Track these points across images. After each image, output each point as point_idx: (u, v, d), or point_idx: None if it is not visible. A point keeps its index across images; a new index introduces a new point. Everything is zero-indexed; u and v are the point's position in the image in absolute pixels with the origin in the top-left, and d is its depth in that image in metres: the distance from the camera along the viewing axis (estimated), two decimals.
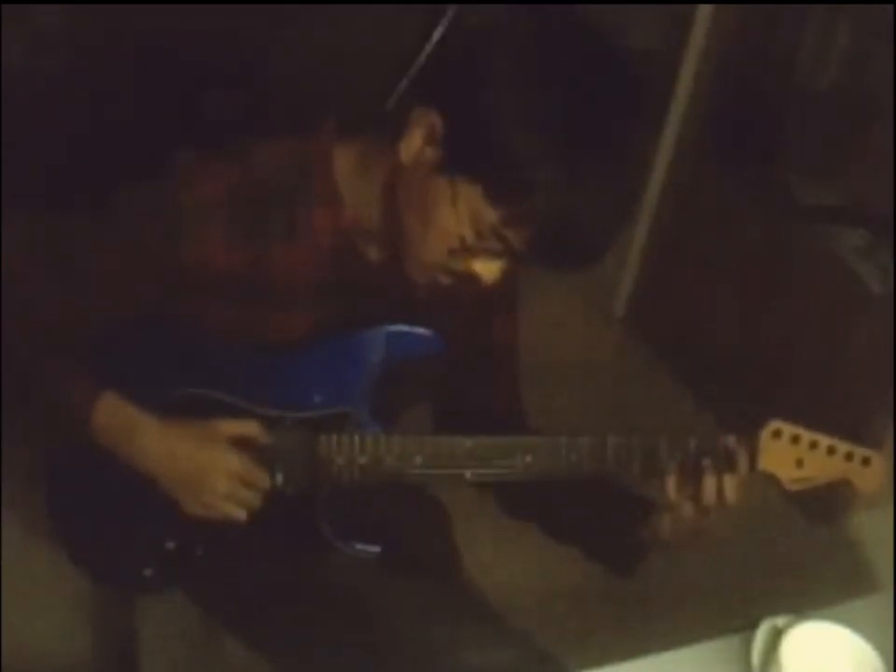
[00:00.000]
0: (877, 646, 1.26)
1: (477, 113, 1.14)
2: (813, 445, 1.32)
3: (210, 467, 1.31)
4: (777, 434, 1.32)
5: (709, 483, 1.30)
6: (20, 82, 2.31)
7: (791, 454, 1.32)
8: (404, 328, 1.34)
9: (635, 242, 3.00)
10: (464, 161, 1.17)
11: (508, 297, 1.47)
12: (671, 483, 1.32)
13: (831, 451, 1.32)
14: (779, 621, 1.31)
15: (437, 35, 2.55)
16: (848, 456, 1.32)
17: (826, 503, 2.48)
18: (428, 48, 2.54)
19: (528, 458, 1.32)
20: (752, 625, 1.32)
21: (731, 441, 1.32)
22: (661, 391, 2.85)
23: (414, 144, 1.19)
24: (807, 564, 2.43)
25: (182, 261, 1.26)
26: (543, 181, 1.13)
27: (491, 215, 1.17)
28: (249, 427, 1.33)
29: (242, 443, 1.33)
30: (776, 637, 1.27)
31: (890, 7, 2.30)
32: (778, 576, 2.36)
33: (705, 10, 2.67)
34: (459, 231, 1.20)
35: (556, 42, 1.16)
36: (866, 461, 1.32)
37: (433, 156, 1.19)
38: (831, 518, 2.53)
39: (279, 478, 1.35)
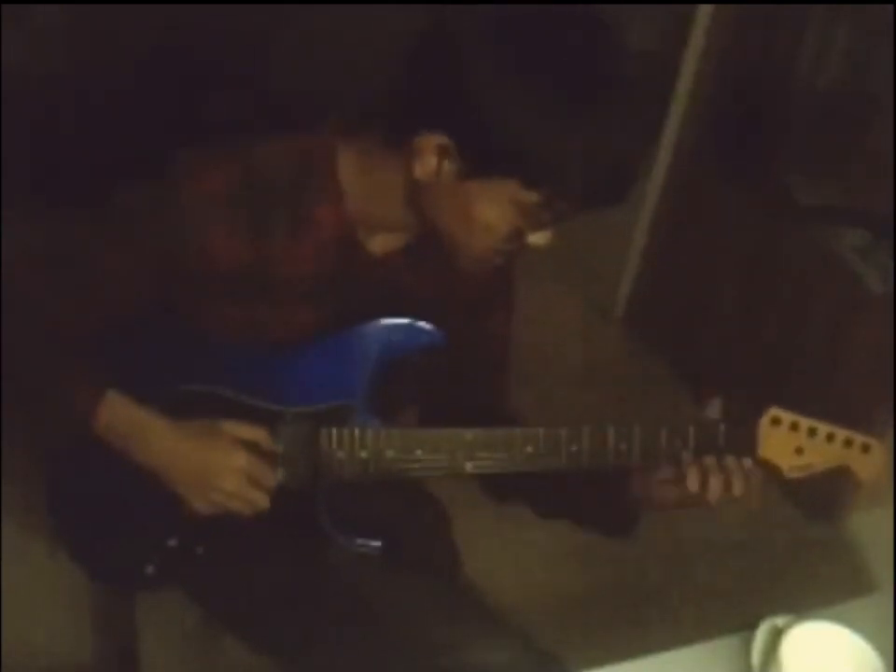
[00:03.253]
0: (877, 646, 1.26)
1: (482, 121, 1.14)
2: (812, 432, 1.32)
3: (217, 466, 1.31)
4: (776, 421, 1.32)
5: (709, 473, 1.30)
6: (20, 82, 2.31)
7: (791, 441, 1.32)
8: (404, 321, 1.34)
9: (635, 242, 3.00)
10: (487, 167, 1.18)
11: (505, 292, 1.47)
12: (675, 479, 1.32)
13: (830, 438, 1.32)
14: (779, 621, 1.31)
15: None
16: (847, 443, 1.32)
17: (826, 503, 2.49)
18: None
19: (529, 449, 1.32)
20: (752, 625, 1.32)
21: (730, 429, 1.32)
22: (661, 391, 2.85)
23: (429, 164, 1.19)
24: (807, 564, 2.43)
25: (185, 258, 1.26)
26: (571, 151, 1.14)
27: (533, 196, 1.19)
28: (256, 433, 1.33)
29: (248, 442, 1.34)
30: (776, 637, 1.27)
31: (890, 7, 2.30)
32: (778, 576, 2.37)
33: (705, 10, 2.67)
34: (506, 220, 1.21)
35: (534, 25, 1.16)
36: (865, 448, 1.32)
37: (453, 168, 1.19)
38: (830, 517, 2.53)
39: (280, 473, 1.35)
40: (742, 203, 2.68)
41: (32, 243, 1.32)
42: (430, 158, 1.19)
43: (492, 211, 1.21)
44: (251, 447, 1.33)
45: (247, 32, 2.48)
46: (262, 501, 1.34)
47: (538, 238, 1.25)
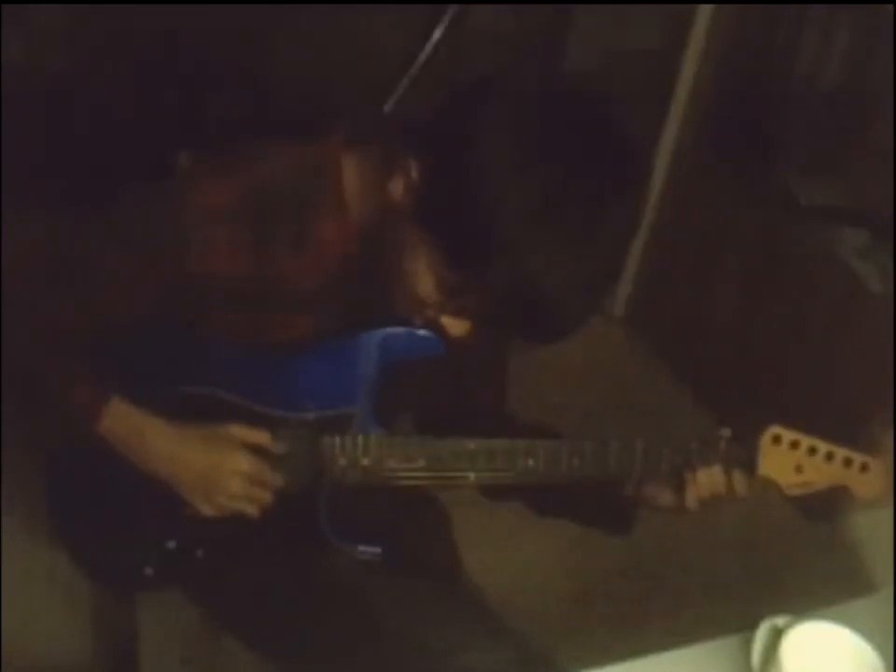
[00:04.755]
0: (877, 646, 1.26)
1: (451, 175, 1.13)
2: (812, 451, 1.32)
3: (220, 469, 1.31)
4: (776, 439, 1.32)
5: (709, 488, 1.32)
6: (20, 82, 2.31)
7: (791, 459, 1.33)
8: (405, 329, 1.33)
9: (635, 242, 3.00)
10: (431, 217, 1.16)
11: None
12: (673, 488, 1.34)
13: (829, 456, 1.33)
14: (779, 621, 1.30)
15: (437, 35, 2.55)
16: (847, 462, 1.33)
17: (826, 503, 2.48)
18: (428, 48, 2.55)
19: (530, 462, 1.33)
20: (752, 625, 1.32)
21: (731, 445, 1.33)
22: (661, 391, 2.85)
23: (398, 186, 1.19)
24: (807, 564, 2.43)
25: (187, 265, 1.26)
26: (505, 256, 1.11)
27: (450, 276, 1.17)
28: (259, 437, 1.33)
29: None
30: (776, 637, 1.27)
31: (890, 6, 2.30)
32: (778, 576, 2.37)
33: (705, 10, 2.67)
34: (423, 282, 1.20)
35: (546, 119, 1.13)
36: (864, 467, 1.33)
37: (409, 203, 1.18)
38: (830, 518, 2.53)
39: (282, 478, 1.35)
40: (742, 203, 2.68)
41: (32, 244, 1.31)
42: (399, 181, 1.19)
43: (414, 264, 1.19)
44: (254, 450, 1.33)
45: (250, 33, 2.47)
46: (266, 499, 1.34)
47: (450, 323, 1.23)
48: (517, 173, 1.10)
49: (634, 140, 1.15)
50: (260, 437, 1.33)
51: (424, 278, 1.20)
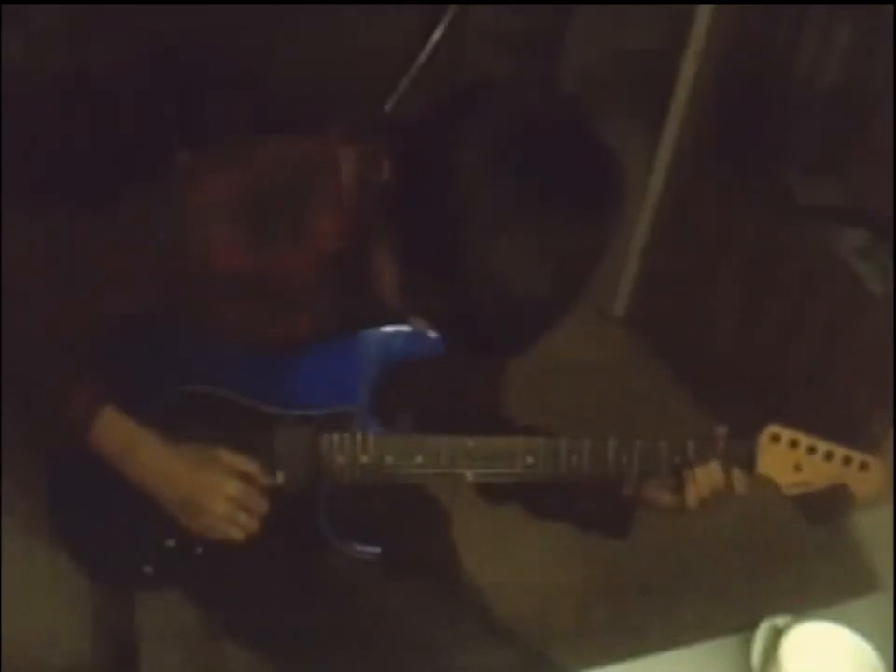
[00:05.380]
0: (877, 646, 1.26)
1: (414, 178, 1.13)
2: (811, 450, 1.32)
3: (208, 490, 1.31)
4: (775, 438, 1.32)
5: (708, 486, 1.32)
6: (20, 82, 2.31)
7: (790, 458, 1.33)
8: (405, 328, 1.34)
9: (635, 242, 3.00)
10: (394, 215, 1.16)
11: None
12: (672, 488, 1.34)
13: (828, 456, 1.33)
14: (779, 621, 1.30)
15: (437, 35, 2.55)
16: (846, 461, 1.33)
17: (825, 502, 2.48)
18: (428, 48, 2.55)
19: (529, 459, 1.33)
20: (752, 625, 1.32)
21: (730, 444, 1.33)
22: (660, 391, 2.85)
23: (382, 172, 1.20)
24: (807, 564, 2.43)
25: (187, 263, 1.26)
26: (460, 263, 1.09)
27: (404, 277, 1.17)
28: (247, 465, 1.33)
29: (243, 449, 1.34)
30: (776, 637, 1.27)
31: (890, 6, 2.30)
32: (778, 576, 2.37)
33: (705, 10, 2.67)
34: (388, 277, 1.20)
35: (517, 133, 1.10)
36: (864, 466, 1.33)
37: (380, 200, 1.18)
38: (830, 518, 2.53)
39: (280, 476, 1.35)
40: (742, 203, 2.68)
41: (32, 244, 1.31)
42: (379, 176, 1.19)
43: (381, 258, 1.20)
44: (244, 476, 1.33)
45: (250, 33, 2.48)
46: (253, 525, 1.33)
47: (419, 322, 1.24)
48: (482, 182, 1.08)
49: (610, 159, 1.13)
50: (249, 465, 1.33)
51: (389, 276, 1.20)
